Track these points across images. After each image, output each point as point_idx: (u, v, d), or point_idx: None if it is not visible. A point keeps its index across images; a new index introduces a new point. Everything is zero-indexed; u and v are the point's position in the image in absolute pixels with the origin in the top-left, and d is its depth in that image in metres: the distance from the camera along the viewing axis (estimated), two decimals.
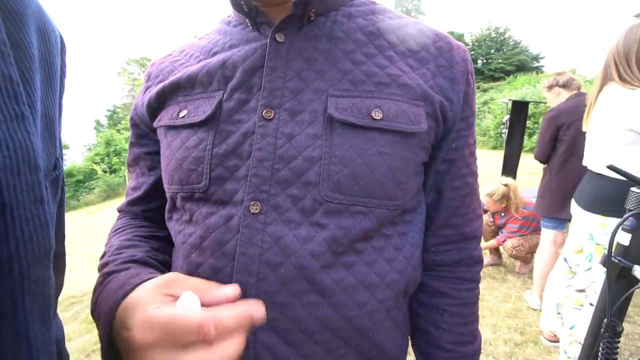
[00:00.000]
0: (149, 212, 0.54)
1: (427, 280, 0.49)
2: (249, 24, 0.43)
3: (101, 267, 0.43)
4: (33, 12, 0.25)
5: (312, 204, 0.38)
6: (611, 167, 0.55)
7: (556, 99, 2.04)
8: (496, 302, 2.23)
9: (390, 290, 0.41)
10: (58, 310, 0.33)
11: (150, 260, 0.44)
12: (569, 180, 1.82)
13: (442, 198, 0.47)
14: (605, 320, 0.48)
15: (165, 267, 0.47)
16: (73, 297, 3.00)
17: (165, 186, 0.45)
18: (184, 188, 0.42)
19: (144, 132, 0.51)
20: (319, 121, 0.39)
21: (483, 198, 2.53)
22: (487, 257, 2.76)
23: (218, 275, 0.39)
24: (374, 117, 0.38)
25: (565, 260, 1.63)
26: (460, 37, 34.44)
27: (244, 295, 0.37)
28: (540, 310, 1.96)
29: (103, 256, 0.46)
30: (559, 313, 1.68)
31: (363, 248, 0.40)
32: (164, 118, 0.44)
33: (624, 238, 0.52)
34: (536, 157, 2.07)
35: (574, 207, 1.42)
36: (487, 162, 8.25)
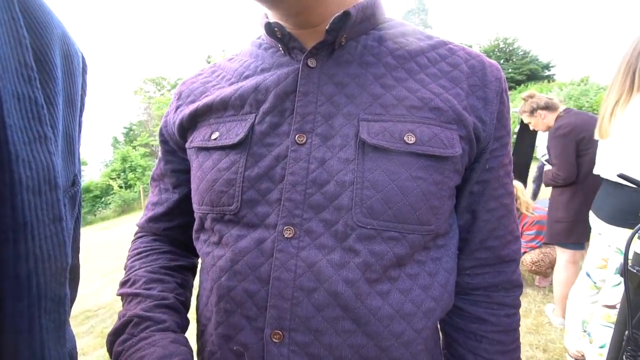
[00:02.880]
0: (170, 231, 0.54)
1: (463, 304, 0.48)
2: (280, 48, 0.44)
3: (131, 296, 0.44)
4: (58, 36, 0.26)
5: (344, 229, 0.37)
6: (622, 176, 0.54)
7: (543, 121, 1.97)
8: None
9: (427, 319, 0.40)
10: (73, 324, 0.34)
11: (179, 305, 0.46)
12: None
13: (477, 220, 0.45)
14: (627, 332, 0.45)
15: (186, 306, 0.49)
16: (88, 311, 3.04)
17: (195, 206, 0.45)
18: (214, 209, 0.42)
19: (173, 150, 0.52)
20: (351, 145, 0.39)
21: None
22: None
23: (253, 299, 0.39)
24: (407, 141, 0.38)
25: (588, 275, 1.55)
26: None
27: (280, 319, 0.38)
28: (564, 327, 1.87)
29: (128, 281, 0.47)
30: (585, 331, 1.59)
31: (397, 275, 0.39)
32: (196, 139, 0.45)
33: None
34: (567, 181, 1.82)
35: (594, 220, 1.36)
36: None
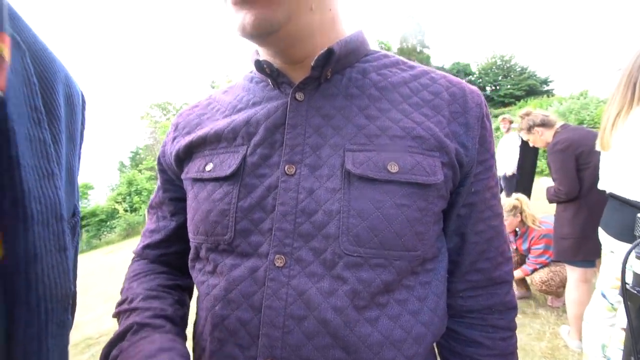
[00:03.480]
0: (167, 257, 0.55)
1: (458, 327, 0.48)
2: (270, 83, 0.47)
3: (128, 312, 0.45)
4: (61, 79, 0.29)
5: (332, 257, 0.38)
6: (612, 195, 0.54)
7: (540, 138, 2.00)
8: (529, 340, 2.06)
9: (417, 345, 0.40)
10: (74, 352, 0.35)
11: (177, 319, 0.47)
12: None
13: (466, 242, 0.46)
14: (632, 358, 0.44)
15: (184, 321, 0.49)
16: (89, 338, 2.98)
17: (191, 236, 0.46)
18: (209, 239, 0.43)
19: (171, 179, 0.53)
20: (337, 175, 0.40)
21: None
22: (513, 290, 2.59)
23: (245, 328, 0.39)
24: (390, 170, 0.39)
25: (604, 296, 1.48)
26: (466, 67, 35.20)
27: (271, 347, 0.38)
28: (582, 351, 1.78)
29: (125, 300, 0.47)
30: (605, 356, 1.52)
31: (386, 302, 0.39)
32: (192, 170, 0.47)
33: (639, 267, 0.49)
34: (569, 196, 1.81)
35: (604, 236, 1.33)
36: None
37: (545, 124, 1.97)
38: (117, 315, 0.47)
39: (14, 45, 0.23)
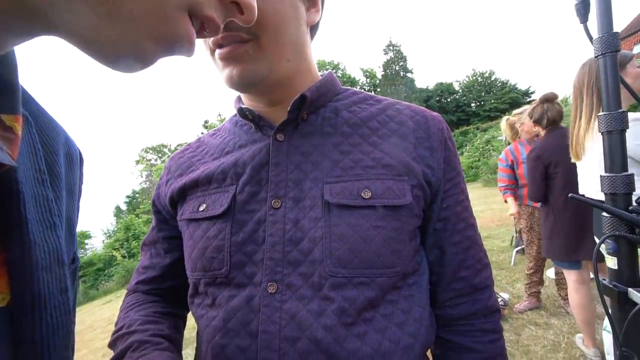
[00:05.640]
0: (160, 291, 0.57)
1: (451, 336, 0.50)
2: (253, 127, 0.52)
3: (126, 335, 0.46)
4: (62, 142, 0.33)
5: (319, 279, 0.41)
6: (573, 197, 0.57)
7: (524, 130, 2.14)
8: (545, 352, 1.98)
9: (407, 355, 0.42)
10: None
11: (175, 341, 0.48)
12: (578, 219, 1.76)
13: (445, 254, 0.49)
14: (617, 352, 0.45)
15: (180, 345, 0.51)
16: None
17: (189, 273, 0.49)
18: (207, 274, 0.46)
19: (165, 219, 0.57)
20: (319, 206, 0.44)
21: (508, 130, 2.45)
22: (523, 302, 2.54)
23: (245, 354, 0.41)
24: (364, 196, 0.43)
25: None
26: (449, 87, 36.61)
27: None
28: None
29: (122, 327, 0.49)
30: None
31: (372, 317, 0.42)
32: (186, 212, 0.50)
33: (612, 262, 0.52)
34: (531, 198, 2.02)
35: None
36: (502, 200, 8.05)
37: (532, 118, 2.04)
38: (114, 342, 0.48)
39: (24, 121, 0.27)
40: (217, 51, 0.43)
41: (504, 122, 2.63)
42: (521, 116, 2.43)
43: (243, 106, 0.49)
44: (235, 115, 0.58)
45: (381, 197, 0.43)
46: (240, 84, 0.44)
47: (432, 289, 0.51)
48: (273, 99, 0.49)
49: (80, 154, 0.38)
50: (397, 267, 0.43)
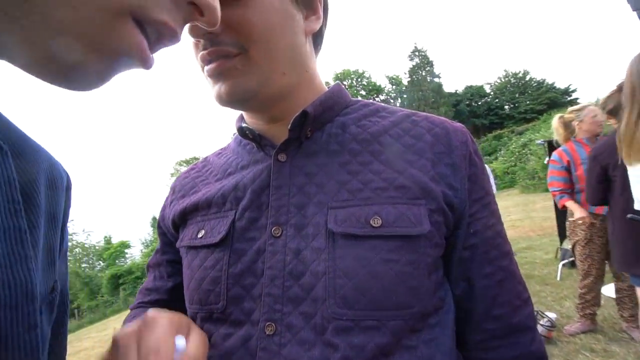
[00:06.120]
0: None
1: None
2: (255, 146, 0.48)
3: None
4: (44, 168, 0.32)
5: (322, 321, 0.36)
6: (633, 218, 0.48)
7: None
8: None
9: None
10: None
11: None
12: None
13: (474, 287, 0.43)
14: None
15: None
16: None
17: (187, 305, 0.46)
18: (203, 308, 0.42)
19: (170, 241, 0.54)
20: (322, 234, 0.39)
21: (585, 118, 2.19)
22: (574, 323, 2.28)
23: None
24: (373, 224, 0.37)
25: None
26: (480, 90, 35.34)
27: None
28: None
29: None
30: None
31: None
32: (185, 238, 0.47)
33: None
34: (587, 201, 1.87)
35: None
36: (543, 207, 7.47)
37: (605, 109, 1.86)
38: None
39: None
40: (206, 67, 0.40)
41: (556, 120, 2.38)
42: (580, 113, 2.22)
43: (243, 125, 0.46)
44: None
45: (393, 225, 0.38)
46: (229, 100, 0.40)
47: (460, 329, 0.43)
48: (273, 115, 0.45)
49: (68, 178, 0.37)
50: (414, 307, 0.37)
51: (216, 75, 0.40)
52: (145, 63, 0.23)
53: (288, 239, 0.40)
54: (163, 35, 0.23)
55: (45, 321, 0.29)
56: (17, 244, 0.25)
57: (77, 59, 0.19)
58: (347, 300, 0.36)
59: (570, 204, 2.21)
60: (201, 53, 0.40)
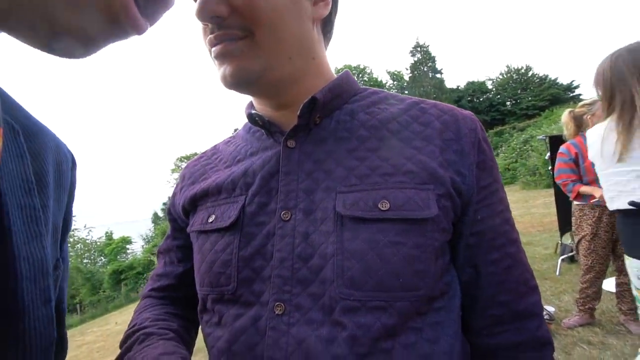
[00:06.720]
0: (173, 299, 0.56)
1: None
2: (264, 133, 0.49)
3: (136, 332, 0.46)
4: (51, 148, 0.33)
5: (330, 302, 0.37)
6: (632, 203, 0.48)
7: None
8: None
9: None
10: None
11: (184, 335, 0.48)
12: None
13: (481, 274, 0.43)
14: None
15: (190, 343, 0.51)
16: None
17: (198, 287, 0.47)
18: (214, 290, 0.43)
19: (180, 227, 0.55)
20: (330, 218, 0.40)
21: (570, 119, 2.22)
22: (573, 316, 2.29)
23: None
24: (381, 208, 0.38)
25: None
26: (481, 85, 35.11)
27: None
28: None
29: (134, 326, 0.48)
30: None
31: (390, 347, 0.36)
32: (196, 223, 0.48)
33: None
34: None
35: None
36: (543, 203, 7.47)
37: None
38: (125, 340, 0.47)
39: (9, 129, 0.27)
40: (212, 49, 0.41)
41: (566, 115, 2.35)
42: (591, 107, 2.20)
43: (253, 112, 0.47)
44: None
45: (401, 208, 0.38)
46: (233, 82, 0.41)
47: (465, 314, 0.44)
48: (281, 101, 0.46)
49: (72, 158, 0.37)
50: (420, 290, 0.38)
51: (221, 57, 0.41)
52: (134, 23, 0.21)
53: (297, 223, 0.41)
54: None
55: (53, 297, 0.30)
56: (32, 221, 0.26)
57: (63, 20, 0.18)
58: (354, 281, 0.37)
59: (585, 188, 2.16)
60: (209, 37, 0.41)
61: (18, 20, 0.18)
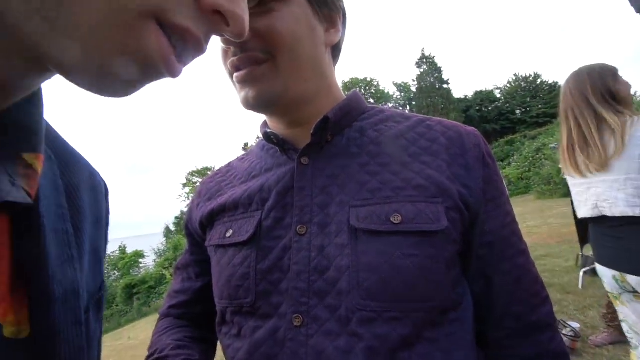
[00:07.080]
0: (191, 315, 0.57)
1: None
2: (279, 150, 0.51)
3: (158, 359, 0.47)
4: (85, 178, 0.34)
5: (347, 313, 0.38)
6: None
7: None
8: None
9: None
10: None
11: None
12: None
13: (492, 285, 0.45)
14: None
15: None
16: None
17: (216, 300, 0.48)
18: (233, 303, 0.45)
19: (197, 242, 0.57)
20: (344, 231, 0.41)
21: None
22: (601, 333, 2.18)
23: None
24: (393, 221, 0.40)
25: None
26: (490, 94, 34.95)
27: None
28: None
29: (155, 351, 0.49)
30: None
31: (407, 358, 0.37)
32: (214, 238, 0.50)
33: None
34: None
35: (621, 278, 1.23)
36: (561, 213, 7.24)
37: None
38: None
39: (46, 159, 0.28)
40: (235, 74, 0.44)
41: None
42: None
43: (268, 130, 0.49)
44: (262, 139, 0.57)
45: (413, 221, 0.40)
46: (255, 105, 0.44)
47: (480, 327, 0.44)
48: (295, 120, 0.49)
49: (105, 186, 0.39)
50: (434, 300, 0.39)
51: (246, 82, 0.43)
52: (171, 69, 0.22)
53: (312, 237, 0.42)
54: (187, 43, 0.23)
55: (93, 318, 0.31)
56: (65, 245, 0.27)
57: (105, 64, 0.19)
58: (370, 292, 0.38)
59: None
60: (231, 60, 0.43)
61: (80, 76, 0.20)
